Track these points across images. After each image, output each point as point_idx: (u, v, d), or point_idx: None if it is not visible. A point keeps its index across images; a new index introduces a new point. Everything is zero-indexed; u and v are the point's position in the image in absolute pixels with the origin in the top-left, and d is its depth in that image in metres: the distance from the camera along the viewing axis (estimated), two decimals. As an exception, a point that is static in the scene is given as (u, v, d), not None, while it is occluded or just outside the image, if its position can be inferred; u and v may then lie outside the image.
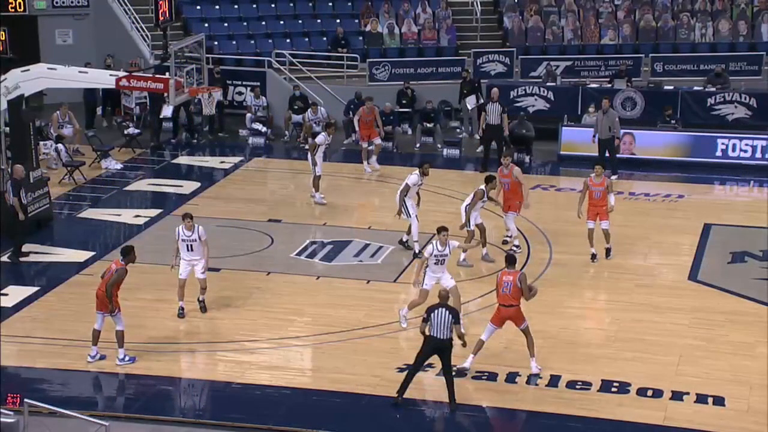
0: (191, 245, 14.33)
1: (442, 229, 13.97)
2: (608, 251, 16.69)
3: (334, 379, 12.95)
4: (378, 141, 21.82)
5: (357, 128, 22.18)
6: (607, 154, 20.94)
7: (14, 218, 16.51)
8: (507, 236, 17.10)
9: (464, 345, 12.53)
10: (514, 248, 16.61)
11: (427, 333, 12.19)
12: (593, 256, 16.57)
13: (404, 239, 17.04)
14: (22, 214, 16.54)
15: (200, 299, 14.66)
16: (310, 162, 19.30)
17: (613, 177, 20.31)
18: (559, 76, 24.76)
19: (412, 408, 12.33)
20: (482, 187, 16.35)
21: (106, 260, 16.54)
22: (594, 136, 21.14)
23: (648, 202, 19.78)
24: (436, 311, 12.13)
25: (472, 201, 16.25)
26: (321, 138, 19.30)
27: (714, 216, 18.93)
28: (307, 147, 23.19)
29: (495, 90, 21.72)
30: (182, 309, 14.51)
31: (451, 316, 12.14)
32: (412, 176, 16.68)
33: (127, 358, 13.17)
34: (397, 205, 16.69)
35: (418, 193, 16.90)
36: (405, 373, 12.44)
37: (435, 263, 13.87)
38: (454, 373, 12.34)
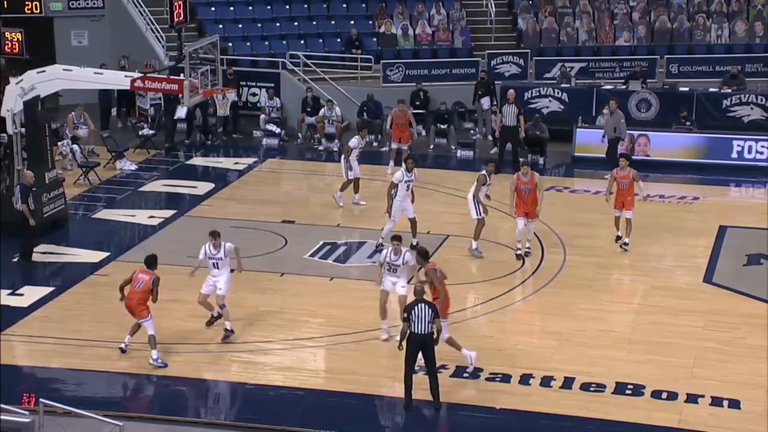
0: (217, 263, 13.94)
1: (395, 239, 13.96)
2: (625, 245, 17.10)
3: (348, 380, 12.94)
4: (405, 147, 21.12)
5: (389, 130, 21.82)
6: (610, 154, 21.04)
7: (24, 223, 16.34)
8: (528, 249, 16.75)
9: (436, 343, 12.27)
10: (527, 250, 16.63)
11: (409, 330, 12.07)
12: (617, 238, 17.24)
13: (414, 243, 16.91)
14: (32, 219, 16.35)
15: (227, 328, 13.93)
16: (343, 166, 19.05)
17: (608, 177, 20.64)
18: (574, 77, 24.70)
19: (423, 409, 12.29)
20: (483, 171, 16.65)
21: (120, 261, 16.66)
22: (603, 136, 21.15)
23: (663, 203, 19.70)
24: (416, 307, 12.10)
25: (476, 187, 16.51)
26: (354, 141, 19.10)
27: (729, 218, 18.83)
28: (321, 149, 23.31)
29: (511, 92, 21.65)
30: (212, 317, 14.17)
31: (430, 310, 12.10)
32: (398, 173, 16.68)
33: (159, 361, 13.14)
34: (386, 203, 16.67)
35: (411, 191, 16.78)
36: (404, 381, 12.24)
37: (388, 270, 13.79)
38: (439, 372, 12.20)
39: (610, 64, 25.72)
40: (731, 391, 12.63)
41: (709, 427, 11.94)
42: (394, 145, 21.35)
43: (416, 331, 12.06)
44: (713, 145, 22.12)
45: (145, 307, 13.12)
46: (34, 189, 16.76)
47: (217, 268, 13.95)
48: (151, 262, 13.29)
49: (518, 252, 16.62)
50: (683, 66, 25.53)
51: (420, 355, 12.20)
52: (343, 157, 19.27)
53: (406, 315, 12.12)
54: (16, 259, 16.49)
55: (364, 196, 19.44)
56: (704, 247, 17.39)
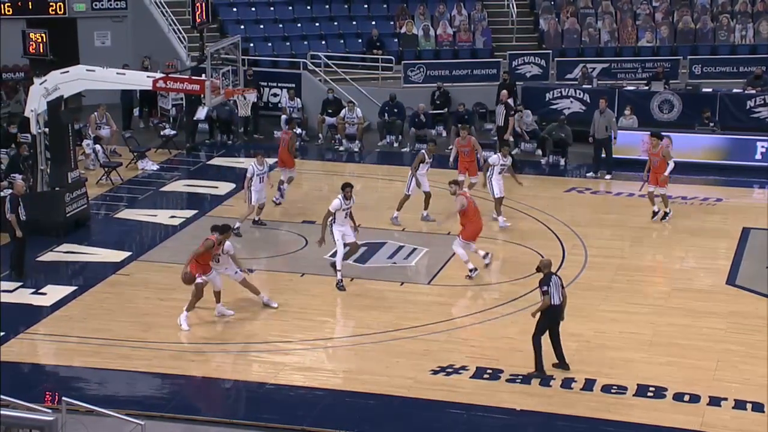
0: (218, 258, 14.33)
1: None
2: (665, 215, 18.25)
3: (367, 380, 12.94)
4: (475, 180, 18.74)
5: (452, 161, 19.04)
6: (603, 155, 21.08)
7: (12, 234, 15.86)
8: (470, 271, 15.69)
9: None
10: (471, 273, 15.56)
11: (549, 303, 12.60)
12: (654, 213, 18.33)
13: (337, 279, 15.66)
14: (19, 231, 15.83)
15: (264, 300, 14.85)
16: (411, 181, 18.10)
17: (608, 177, 20.88)
18: (595, 78, 24.61)
19: (443, 410, 12.28)
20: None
21: (142, 260, 16.76)
22: (590, 136, 21.19)
23: (685, 205, 19.57)
24: (552, 279, 12.67)
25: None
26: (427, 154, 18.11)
27: (753, 220, 18.69)
28: (342, 149, 23.33)
29: (504, 92, 22.22)
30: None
31: (560, 280, 12.83)
32: (335, 201, 15.39)
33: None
34: (320, 233, 15.46)
35: (350, 216, 15.58)
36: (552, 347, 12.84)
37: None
38: None
39: (632, 64, 25.59)
40: (754, 394, 12.52)
41: (732, 430, 11.84)
42: (461, 177, 18.22)
43: (553, 303, 12.63)
44: (737, 147, 21.96)
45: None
46: (64, 188, 16.62)
47: (217, 262, 14.53)
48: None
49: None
50: (706, 67, 25.35)
51: None
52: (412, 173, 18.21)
53: (546, 288, 12.59)
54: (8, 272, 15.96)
55: (384, 197, 19.38)
56: (727, 249, 17.27)
